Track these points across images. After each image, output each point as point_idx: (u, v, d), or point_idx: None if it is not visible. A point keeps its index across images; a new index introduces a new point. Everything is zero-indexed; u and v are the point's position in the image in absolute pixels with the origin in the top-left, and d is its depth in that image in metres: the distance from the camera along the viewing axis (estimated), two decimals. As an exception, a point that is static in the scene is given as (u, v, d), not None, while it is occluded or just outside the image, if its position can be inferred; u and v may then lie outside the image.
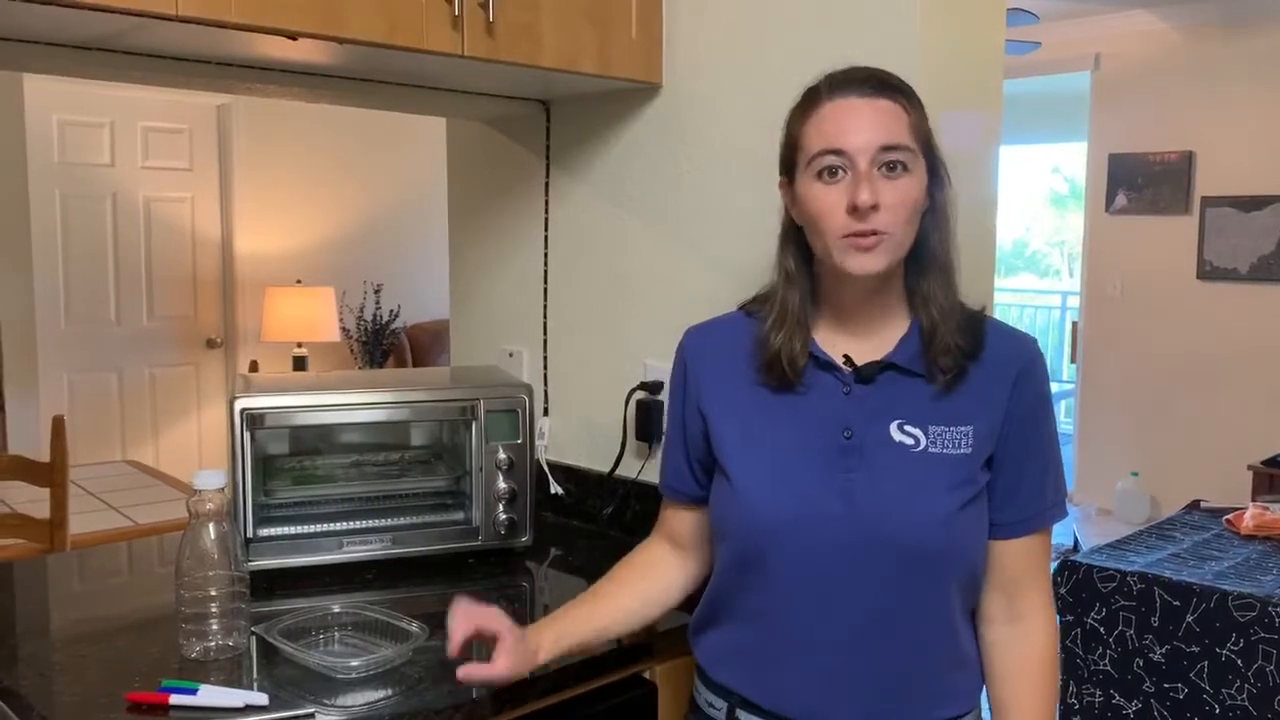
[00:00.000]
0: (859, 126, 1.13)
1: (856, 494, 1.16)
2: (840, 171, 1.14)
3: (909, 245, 1.17)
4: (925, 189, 1.17)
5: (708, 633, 1.31)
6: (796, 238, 1.22)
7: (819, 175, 1.15)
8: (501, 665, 1.19)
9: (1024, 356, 1.21)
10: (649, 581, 1.37)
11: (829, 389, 1.21)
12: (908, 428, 1.17)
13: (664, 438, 1.40)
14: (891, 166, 1.13)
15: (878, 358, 1.20)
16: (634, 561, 1.39)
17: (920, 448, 1.17)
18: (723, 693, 1.27)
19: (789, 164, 1.21)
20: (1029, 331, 1.41)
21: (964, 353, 1.18)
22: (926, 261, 1.19)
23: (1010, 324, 1.26)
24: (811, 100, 1.18)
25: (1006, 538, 1.22)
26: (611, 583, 1.37)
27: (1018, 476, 1.20)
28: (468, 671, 1.19)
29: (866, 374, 1.19)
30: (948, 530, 1.15)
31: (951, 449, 1.17)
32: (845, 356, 1.21)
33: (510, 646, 1.20)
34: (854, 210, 1.12)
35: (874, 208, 1.12)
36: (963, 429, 1.17)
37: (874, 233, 1.13)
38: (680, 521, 1.37)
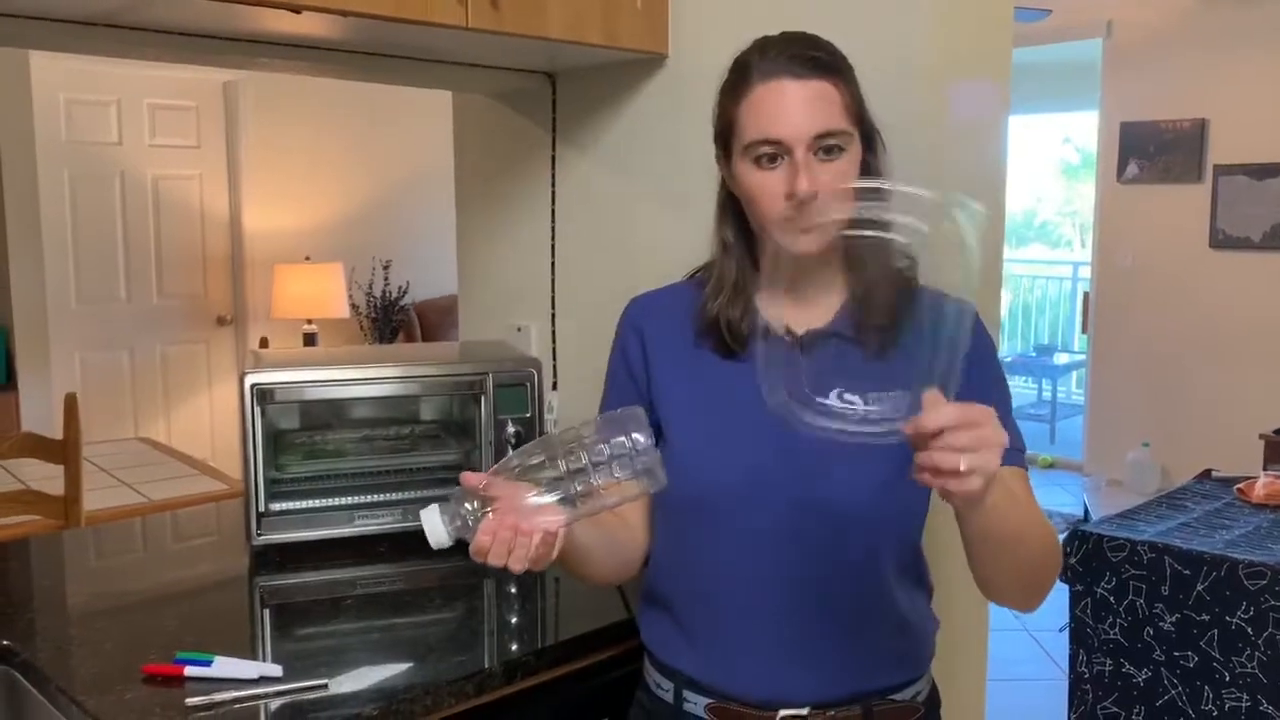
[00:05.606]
0: (793, 114, 1.13)
1: (794, 462, 1.17)
2: (777, 158, 1.14)
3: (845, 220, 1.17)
4: (860, 162, 1.17)
5: (649, 612, 1.30)
6: (734, 209, 1.24)
7: (756, 161, 1.15)
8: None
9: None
10: (616, 526, 1.26)
11: None
12: (847, 396, 1.16)
13: (604, 406, 1.32)
14: (828, 150, 1.13)
15: (819, 325, 1.20)
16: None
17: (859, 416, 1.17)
18: (668, 673, 1.26)
19: (725, 141, 1.20)
20: (1040, 304, 1.39)
21: (897, 319, 1.18)
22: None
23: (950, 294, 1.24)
24: (743, 78, 1.17)
25: None
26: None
27: None
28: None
29: (807, 343, 1.20)
30: (880, 496, 1.16)
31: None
32: (787, 328, 1.21)
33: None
34: (792, 197, 1.13)
35: (813, 196, 1.13)
36: (902, 394, 1.17)
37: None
38: None
